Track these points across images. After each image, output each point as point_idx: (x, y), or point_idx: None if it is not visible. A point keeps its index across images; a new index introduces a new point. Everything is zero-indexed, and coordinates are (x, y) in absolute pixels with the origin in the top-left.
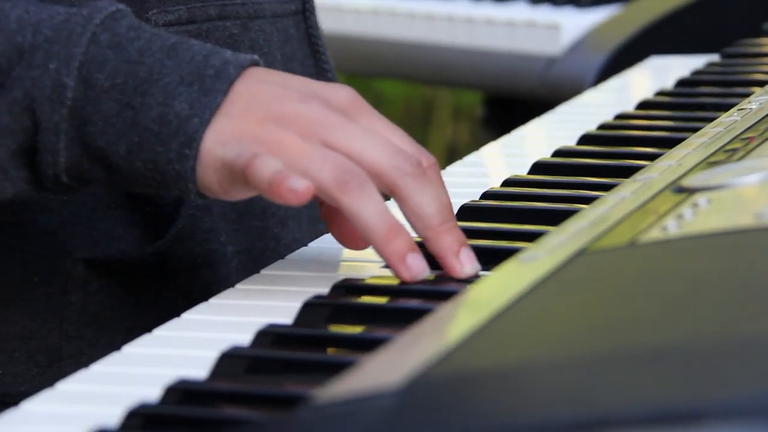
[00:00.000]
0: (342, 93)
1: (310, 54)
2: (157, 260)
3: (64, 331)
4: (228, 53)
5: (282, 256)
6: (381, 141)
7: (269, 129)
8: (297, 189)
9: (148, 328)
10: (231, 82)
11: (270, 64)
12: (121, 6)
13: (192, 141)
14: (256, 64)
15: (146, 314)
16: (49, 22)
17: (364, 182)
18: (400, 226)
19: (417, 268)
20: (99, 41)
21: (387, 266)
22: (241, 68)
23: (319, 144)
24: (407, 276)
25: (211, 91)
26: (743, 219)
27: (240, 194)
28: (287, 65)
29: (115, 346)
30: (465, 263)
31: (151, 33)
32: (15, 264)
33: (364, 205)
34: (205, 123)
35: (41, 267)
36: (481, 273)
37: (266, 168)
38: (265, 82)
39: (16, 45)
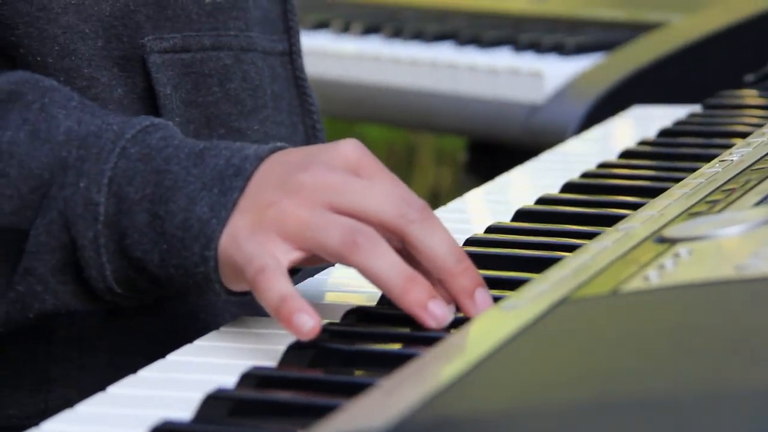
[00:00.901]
0: (343, 151)
1: (297, 95)
2: None
3: (51, 353)
4: (251, 149)
5: None
6: (383, 192)
7: (273, 211)
8: (304, 329)
9: (136, 352)
10: (247, 177)
11: (261, 98)
12: (157, 120)
13: (210, 242)
14: (279, 149)
15: (133, 338)
16: (92, 138)
17: (373, 238)
18: (416, 275)
19: (441, 315)
20: (129, 155)
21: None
22: (259, 160)
23: (323, 209)
24: (433, 324)
25: (228, 190)
26: (724, 270)
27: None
28: (276, 102)
29: (102, 367)
30: (479, 304)
31: (180, 140)
32: None
33: (376, 262)
34: (222, 222)
35: None
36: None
37: (271, 292)
38: (274, 166)
39: (60, 160)
